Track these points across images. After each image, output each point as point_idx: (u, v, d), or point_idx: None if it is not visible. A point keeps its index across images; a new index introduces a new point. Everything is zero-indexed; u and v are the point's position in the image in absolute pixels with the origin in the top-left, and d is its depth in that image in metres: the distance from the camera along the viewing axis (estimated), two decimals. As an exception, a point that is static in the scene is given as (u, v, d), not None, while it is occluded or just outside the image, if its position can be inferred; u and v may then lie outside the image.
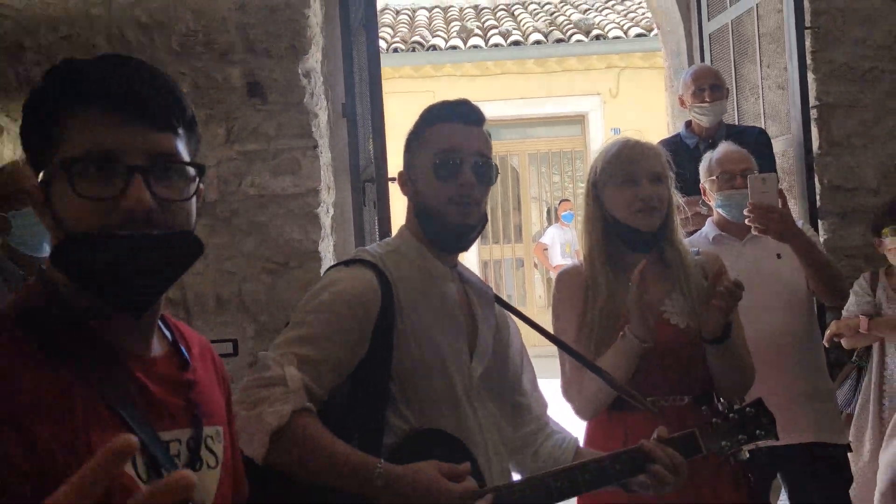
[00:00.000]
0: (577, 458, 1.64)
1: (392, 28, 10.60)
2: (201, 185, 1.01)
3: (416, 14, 11.46)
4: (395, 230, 3.01)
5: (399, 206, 3.38)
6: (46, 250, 2.28)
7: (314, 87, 3.55)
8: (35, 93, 0.96)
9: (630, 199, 1.90)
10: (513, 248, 11.23)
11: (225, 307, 3.28)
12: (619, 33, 10.11)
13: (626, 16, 10.77)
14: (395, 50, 9.81)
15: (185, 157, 0.98)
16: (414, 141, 1.63)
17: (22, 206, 2.29)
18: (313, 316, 1.48)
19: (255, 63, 3.36)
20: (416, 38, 10.22)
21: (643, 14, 10.11)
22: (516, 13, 11.42)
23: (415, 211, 1.61)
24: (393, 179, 3.30)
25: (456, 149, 1.55)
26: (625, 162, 1.94)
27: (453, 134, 1.57)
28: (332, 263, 3.56)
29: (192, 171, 0.98)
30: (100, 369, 0.93)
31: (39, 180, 0.95)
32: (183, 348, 1.07)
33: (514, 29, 10.55)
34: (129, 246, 0.91)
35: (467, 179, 1.53)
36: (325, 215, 3.54)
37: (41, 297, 0.96)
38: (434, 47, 10.02)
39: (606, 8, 11.31)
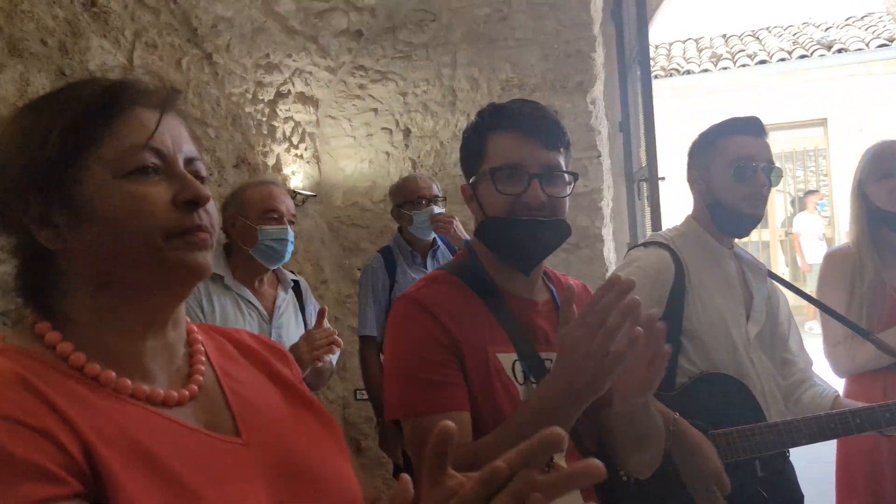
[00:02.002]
0: (835, 406, 1.48)
1: (652, 59, 10.09)
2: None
3: (672, 46, 10.78)
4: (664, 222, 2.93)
5: (664, 201, 3.32)
6: (429, 235, 2.45)
7: (598, 111, 3.50)
8: (471, 125, 1.11)
9: (890, 189, 1.67)
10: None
11: (534, 275, 3.38)
12: (861, 45, 8.63)
13: (866, 29, 9.17)
14: (655, 76, 9.33)
15: (564, 167, 1.06)
16: (707, 148, 1.54)
17: (419, 209, 2.40)
18: None
19: (554, 97, 3.36)
20: (673, 65, 9.63)
21: (884, 27, 8.53)
22: (760, 37, 10.25)
23: (706, 204, 1.53)
24: (663, 178, 3.20)
25: (752, 156, 1.47)
26: (884, 159, 1.70)
27: (748, 144, 1.48)
28: (613, 245, 3.61)
29: (569, 177, 1.06)
30: (499, 306, 1.04)
31: (470, 182, 1.09)
32: (558, 298, 1.12)
33: (760, 50, 9.49)
34: (527, 227, 1.02)
35: (762, 181, 1.46)
36: (606, 208, 3.48)
37: (468, 258, 1.11)
38: (688, 72, 9.37)
39: (847, 25, 9.71)
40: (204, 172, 0.67)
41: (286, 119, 3.34)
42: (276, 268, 1.93)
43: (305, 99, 3.46)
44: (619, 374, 0.88)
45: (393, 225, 2.72)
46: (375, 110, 3.57)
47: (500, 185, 1.01)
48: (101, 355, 0.60)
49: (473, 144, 1.07)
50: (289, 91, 3.30)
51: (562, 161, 1.04)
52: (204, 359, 0.69)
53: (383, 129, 3.57)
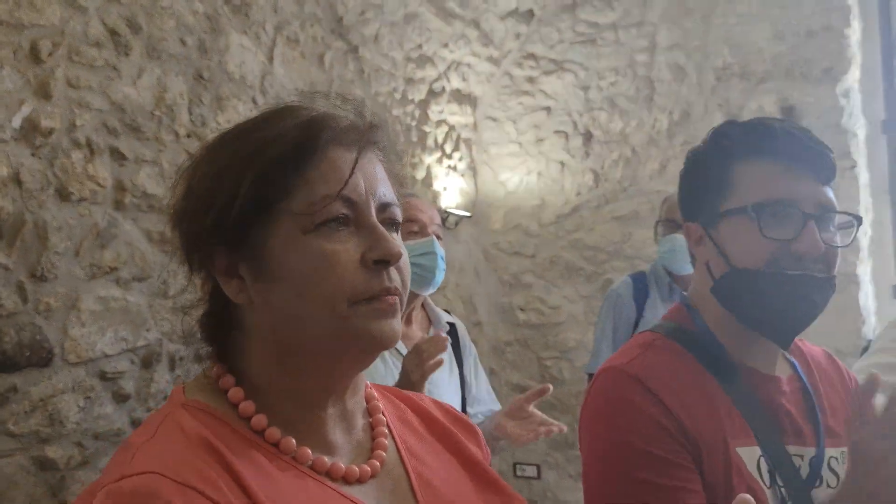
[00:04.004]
0: None
1: None
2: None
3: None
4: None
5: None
6: (685, 270, 2.19)
7: (852, 106, 2.91)
8: (703, 148, 0.98)
9: None
10: None
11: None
12: None
13: None
14: None
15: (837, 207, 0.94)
16: None
17: (667, 233, 2.24)
18: None
19: (789, 88, 2.89)
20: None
21: None
22: None
23: None
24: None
25: None
26: None
27: None
28: (871, 290, 2.85)
29: (849, 220, 0.95)
30: (736, 385, 0.91)
31: (700, 222, 0.97)
32: (803, 374, 1.00)
33: None
34: (798, 284, 0.89)
35: None
36: (863, 238, 2.86)
37: (685, 317, 0.99)
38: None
39: None
40: (399, 218, 0.67)
41: (439, 123, 3.16)
42: (427, 295, 1.80)
43: (462, 97, 3.26)
44: None
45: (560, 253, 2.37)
46: (548, 109, 3.37)
47: (766, 228, 0.89)
48: (281, 420, 0.63)
49: (710, 173, 0.96)
50: (443, 88, 3.12)
51: (834, 199, 0.93)
52: (386, 431, 0.70)
53: (557, 132, 3.35)
